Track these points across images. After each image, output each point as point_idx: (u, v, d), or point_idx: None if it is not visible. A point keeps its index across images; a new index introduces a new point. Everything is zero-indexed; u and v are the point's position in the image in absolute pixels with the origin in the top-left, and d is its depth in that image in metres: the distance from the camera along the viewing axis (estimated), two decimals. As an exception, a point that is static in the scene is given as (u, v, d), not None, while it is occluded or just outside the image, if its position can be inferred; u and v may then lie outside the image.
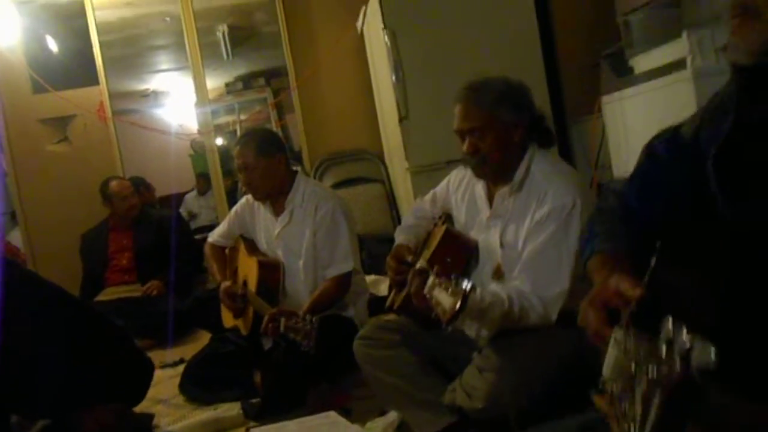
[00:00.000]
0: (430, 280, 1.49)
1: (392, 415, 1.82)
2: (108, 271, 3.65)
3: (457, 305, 1.37)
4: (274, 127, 5.18)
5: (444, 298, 1.41)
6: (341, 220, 2.35)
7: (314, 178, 4.36)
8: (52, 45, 4.45)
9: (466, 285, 1.39)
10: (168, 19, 4.88)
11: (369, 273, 3.12)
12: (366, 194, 4.17)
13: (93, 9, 4.26)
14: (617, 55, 2.97)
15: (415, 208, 2.13)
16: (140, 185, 4.13)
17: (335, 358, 2.06)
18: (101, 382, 0.93)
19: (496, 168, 1.70)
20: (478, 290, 1.57)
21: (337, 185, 4.28)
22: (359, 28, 4.14)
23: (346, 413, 2.01)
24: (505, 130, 1.66)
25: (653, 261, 0.76)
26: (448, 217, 2.00)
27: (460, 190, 1.91)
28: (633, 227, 0.96)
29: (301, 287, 2.37)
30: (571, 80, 3.45)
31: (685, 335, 0.62)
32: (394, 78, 3.31)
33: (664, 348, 0.63)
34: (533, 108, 1.73)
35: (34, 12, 4.30)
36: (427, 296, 1.47)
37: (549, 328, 1.57)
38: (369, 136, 4.31)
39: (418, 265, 1.76)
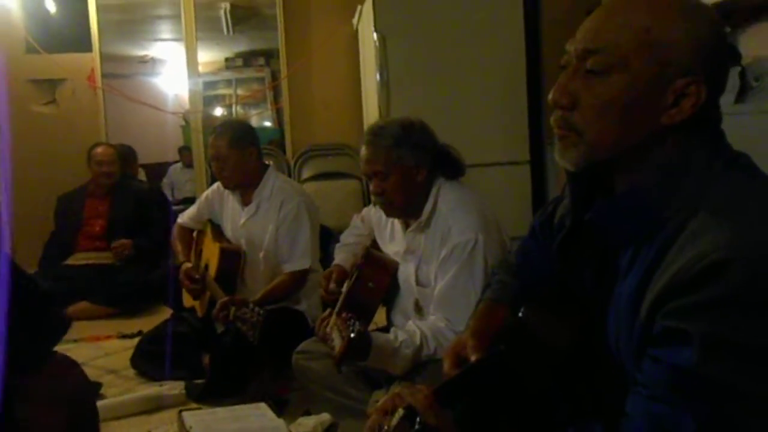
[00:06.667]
0: (332, 319, 1.56)
1: (325, 416, 1.91)
2: (80, 236, 3.68)
3: (343, 349, 1.45)
4: (269, 108, 5.21)
5: (337, 341, 1.49)
6: (304, 218, 2.42)
7: (294, 167, 4.42)
8: (50, 6, 4.48)
9: (353, 330, 1.45)
10: (170, -12, 4.90)
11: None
12: (342, 189, 4.25)
13: (94, -27, 4.29)
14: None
15: (353, 225, 2.19)
16: (128, 155, 4.14)
17: (280, 350, 2.15)
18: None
19: (402, 208, 1.77)
20: (392, 329, 1.65)
21: (315, 177, 4.35)
22: (354, 25, 4.19)
23: (283, 403, 2.12)
24: (407, 172, 1.71)
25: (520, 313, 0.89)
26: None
27: (382, 218, 1.97)
28: (523, 283, 1.09)
29: (260, 278, 2.45)
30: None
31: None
32: (378, 79, 3.38)
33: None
34: (435, 145, 1.78)
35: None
36: (328, 336, 1.56)
37: None
38: (353, 131, 4.35)
39: (344, 289, 1.86)
